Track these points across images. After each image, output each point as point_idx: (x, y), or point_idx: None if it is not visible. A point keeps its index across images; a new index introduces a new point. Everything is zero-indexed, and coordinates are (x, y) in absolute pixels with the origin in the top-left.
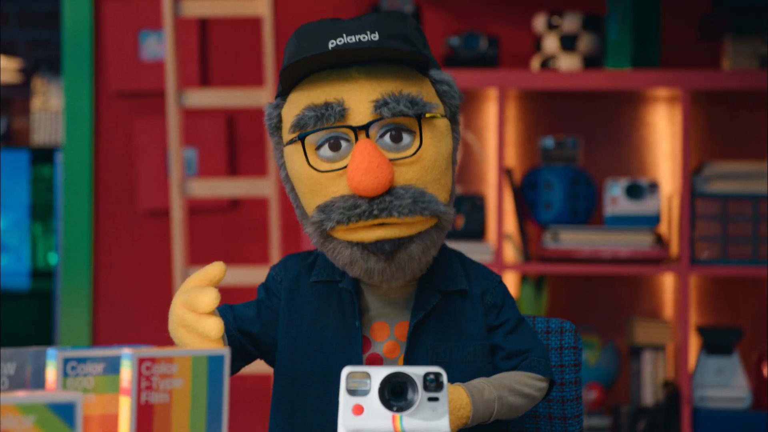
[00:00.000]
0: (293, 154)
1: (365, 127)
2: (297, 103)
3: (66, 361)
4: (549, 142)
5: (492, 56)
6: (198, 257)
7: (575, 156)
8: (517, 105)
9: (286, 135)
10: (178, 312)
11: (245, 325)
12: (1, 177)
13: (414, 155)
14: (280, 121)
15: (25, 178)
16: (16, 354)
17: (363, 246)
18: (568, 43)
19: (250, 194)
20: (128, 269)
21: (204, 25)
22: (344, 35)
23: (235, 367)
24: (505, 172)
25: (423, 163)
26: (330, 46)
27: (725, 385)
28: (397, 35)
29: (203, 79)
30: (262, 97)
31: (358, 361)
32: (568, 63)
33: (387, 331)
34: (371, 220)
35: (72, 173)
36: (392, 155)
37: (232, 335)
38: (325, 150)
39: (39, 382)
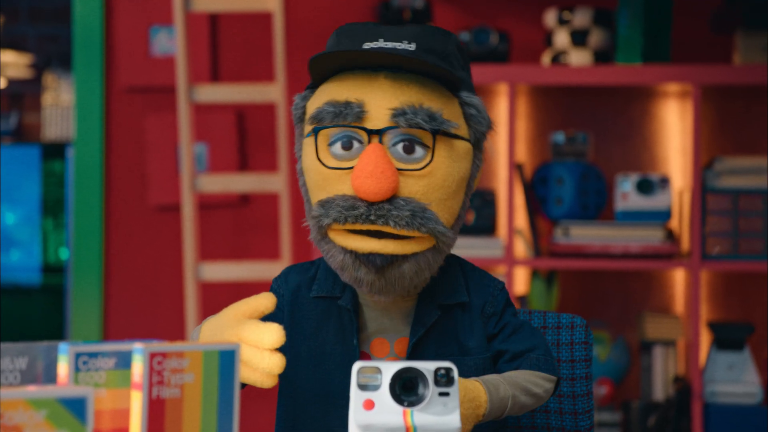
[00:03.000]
0: (307, 147)
1: (379, 132)
2: (321, 97)
3: (77, 355)
4: (560, 137)
5: (502, 51)
6: (208, 252)
7: (586, 151)
8: (527, 100)
9: (307, 127)
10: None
11: None
12: (12, 172)
13: (423, 169)
14: (304, 112)
15: (36, 174)
16: (28, 349)
17: (356, 255)
18: (578, 38)
19: (261, 189)
20: (139, 264)
21: (215, 20)
22: (381, 40)
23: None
24: (515, 168)
25: (431, 180)
26: (364, 47)
27: (736, 380)
28: (435, 50)
29: (214, 75)
30: (272, 92)
31: None
32: (579, 58)
33: (387, 348)
34: (367, 224)
35: (83, 168)
36: (402, 165)
37: None
38: (337, 147)
39: (50, 377)
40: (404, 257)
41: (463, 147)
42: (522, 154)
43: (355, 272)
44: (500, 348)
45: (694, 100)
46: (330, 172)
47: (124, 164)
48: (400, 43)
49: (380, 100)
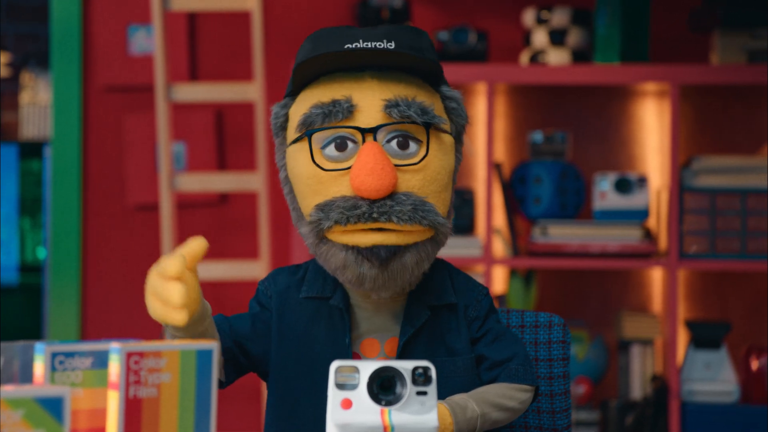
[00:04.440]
0: (297, 153)
1: (373, 130)
2: (305, 102)
3: (54, 355)
4: (538, 136)
5: (481, 51)
6: None
7: (564, 150)
8: (506, 99)
9: (292, 134)
10: (150, 279)
11: (239, 338)
12: None
13: (419, 164)
14: (286, 120)
15: (13, 173)
16: (5, 348)
17: (358, 250)
18: (557, 38)
19: (239, 188)
20: (117, 264)
21: (193, 19)
22: (360, 41)
23: (229, 379)
24: (494, 167)
25: (427, 173)
26: (345, 48)
27: (713, 379)
28: (412, 47)
29: (192, 74)
30: (251, 91)
31: None
32: (557, 57)
33: (377, 348)
34: (370, 223)
35: (60, 167)
36: (397, 161)
37: (227, 347)
38: (331, 149)
39: (27, 377)
40: (406, 248)
41: (449, 141)
42: (500, 154)
43: (358, 268)
44: (481, 353)
45: (671, 99)
46: (326, 175)
47: (102, 163)
48: (380, 43)
49: (370, 95)
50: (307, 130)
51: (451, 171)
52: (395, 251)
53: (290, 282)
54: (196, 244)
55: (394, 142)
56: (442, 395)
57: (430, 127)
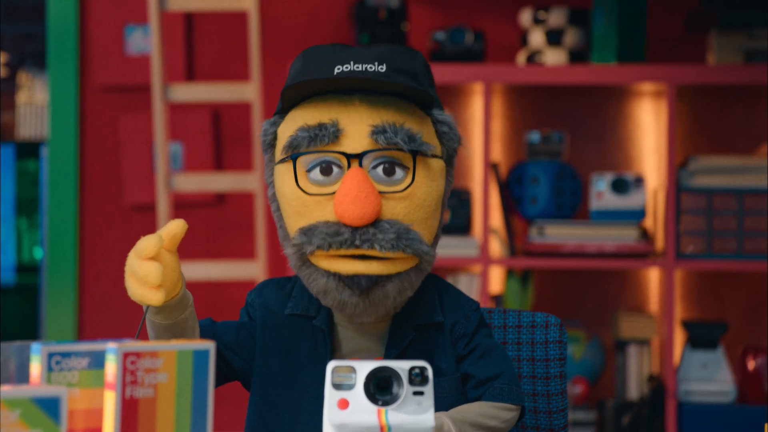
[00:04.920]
0: (283, 174)
1: (359, 156)
2: (293, 123)
3: (50, 355)
4: (535, 136)
5: (478, 51)
6: (184, 251)
7: (561, 150)
8: (502, 99)
9: (279, 153)
10: (128, 260)
11: (222, 347)
12: None
13: (405, 191)
14: (275, 138)
15: (10, 173)
16: (1, 348)
17: (339, 277)
18: (553, 38)
19: (236, 189)
20: (114, 264)
21: (190, 19)
22: (351, 62)
23: None
24: (491, 167)
25: (412, 201)
26: (335, 71)
27: (710, 379)
28: (404, 70)
29: (189, 74)
30: (248, 91)
31: None
32: (554, 57)
33: None
34: (352, 249)
35: (57, 168)
36: (383, 188)
37: None
38: (316, 173)
39: (23, 377)
40: (388, 277)
41: (438, 165)
42: (497, 154)
43: (339, 295)
44: (467, 371)
45: (668, 99)
46: (310, 199)
47: (99, 163)
48: (371, 65)
49: (358, 120)
50: (293, 153)
51: (440, 197)
52: (376, 280)
53: (277, 296)
54: (176, 225)
55: (380, 168)
56: None
57: (417, 154)
